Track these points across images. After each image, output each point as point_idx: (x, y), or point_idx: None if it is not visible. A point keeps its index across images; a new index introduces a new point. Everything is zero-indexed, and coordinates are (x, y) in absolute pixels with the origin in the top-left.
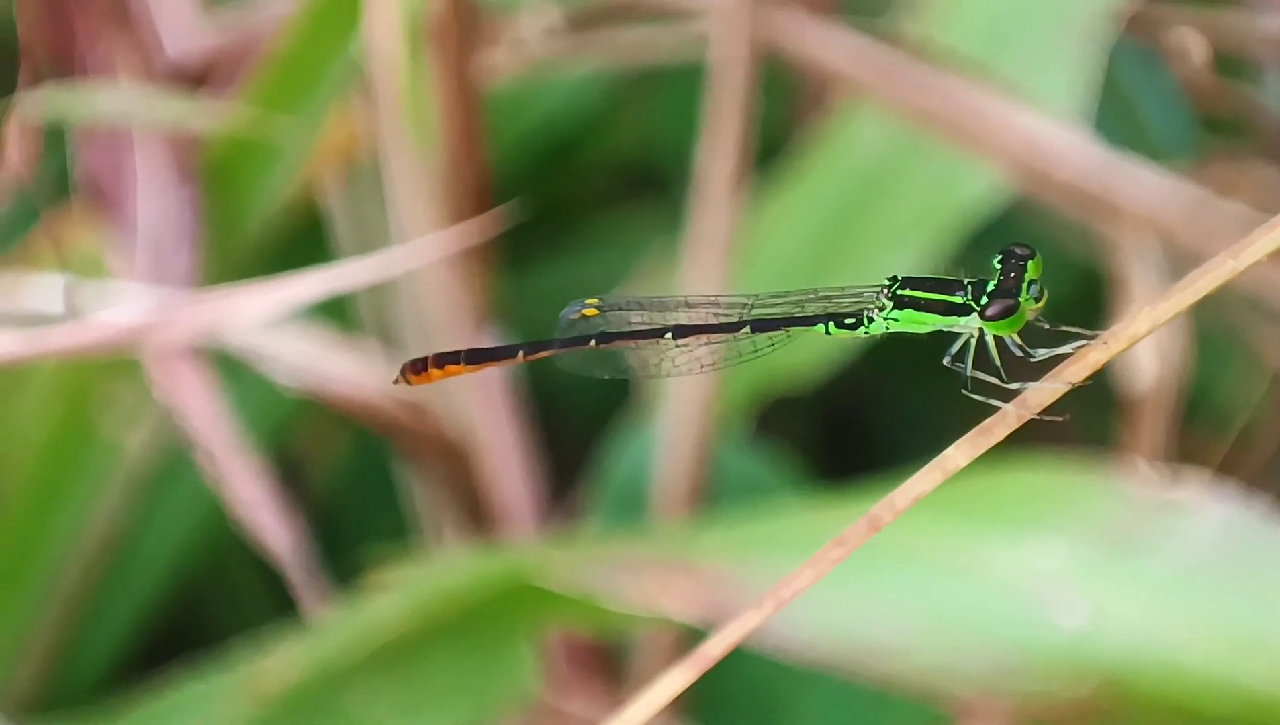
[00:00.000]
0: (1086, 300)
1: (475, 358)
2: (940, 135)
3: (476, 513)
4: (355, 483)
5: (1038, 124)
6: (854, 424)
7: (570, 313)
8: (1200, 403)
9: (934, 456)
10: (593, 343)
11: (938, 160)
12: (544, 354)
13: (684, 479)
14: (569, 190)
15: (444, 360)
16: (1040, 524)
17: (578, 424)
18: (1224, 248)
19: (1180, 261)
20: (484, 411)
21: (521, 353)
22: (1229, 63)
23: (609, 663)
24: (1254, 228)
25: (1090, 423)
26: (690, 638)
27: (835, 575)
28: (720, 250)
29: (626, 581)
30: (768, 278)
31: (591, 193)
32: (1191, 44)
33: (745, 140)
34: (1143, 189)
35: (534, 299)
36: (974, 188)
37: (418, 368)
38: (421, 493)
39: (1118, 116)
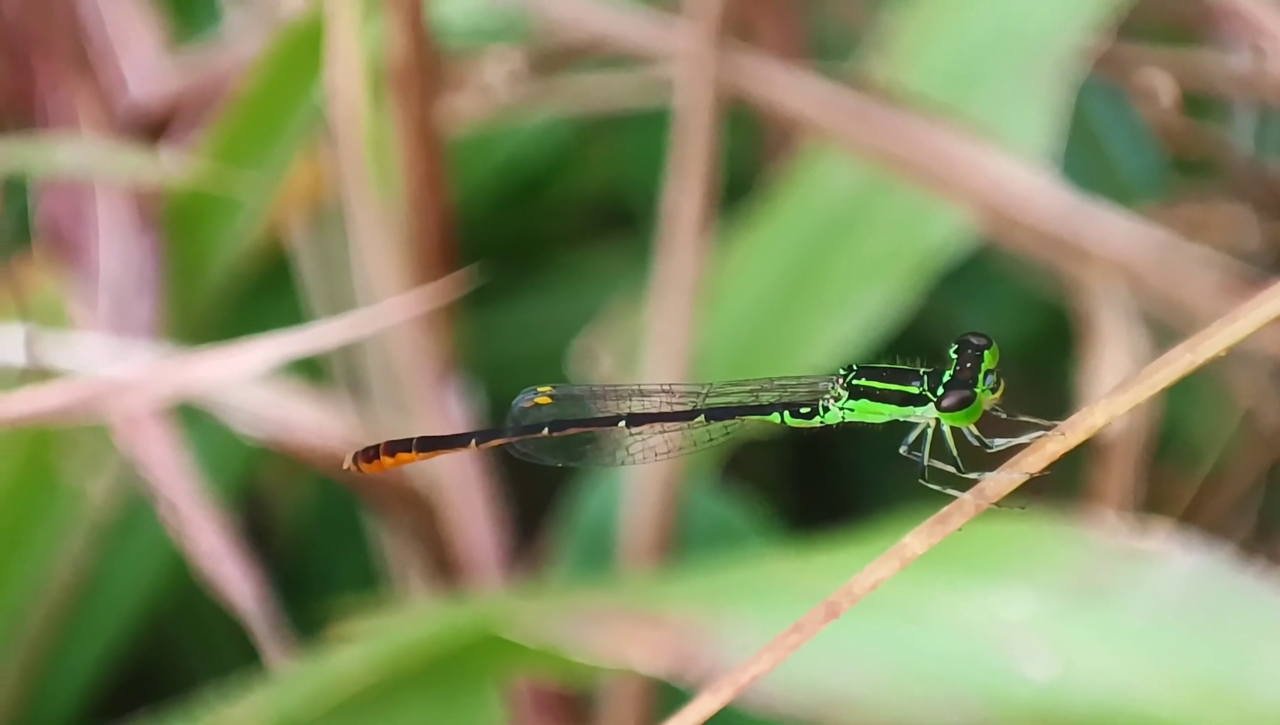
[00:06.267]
0: (1054, 340)
1: (427, 446)
2: (907, 178)
3: (443, 562)
4: (321, 527)
5: (1005, 167)
6: (824, 458)
7: (523, 401)
8: (1170, 441)
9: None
10: (546, 431)
11: (905, 202)
12: (497, 442)
13: (652, 525)
14: (537, 228)
15: (395, 448)
16: (1008, 573)
17: (544, 470)
18: (1191, 290)
19: (1149, 303)
20: (449, 460)
21: (474, 441)
22: (1197, 102)
23: (576, 711)
24: (1221, 270)
25: (1058, 467)
26: (658, 685)
27: None
28: (688, 290)
29: (593, 632)
30: (734, 318)
31: (559, 230)
32: (1160, 83)
33: (712, 182)
34: (1111, 233)
35: (502, 336)
36: (941, 230)
37: (369, 456)
38: (388, 541)
39: (1086, 156)
